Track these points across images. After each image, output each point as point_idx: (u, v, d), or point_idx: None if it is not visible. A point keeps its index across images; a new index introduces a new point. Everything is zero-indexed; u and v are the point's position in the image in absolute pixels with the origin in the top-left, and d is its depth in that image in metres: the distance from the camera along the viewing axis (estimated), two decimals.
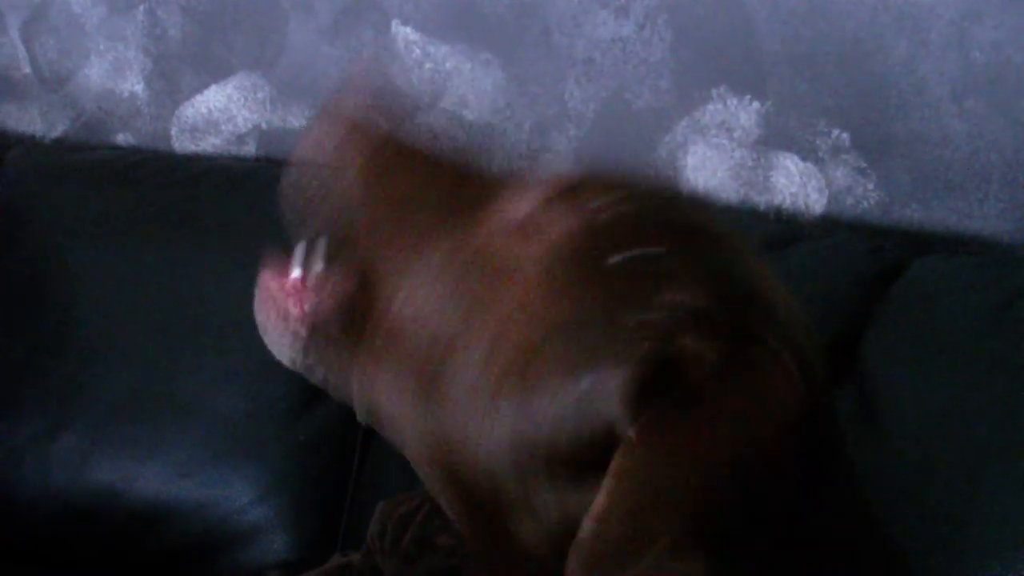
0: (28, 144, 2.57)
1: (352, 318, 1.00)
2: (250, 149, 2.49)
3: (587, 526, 0.86)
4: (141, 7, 2.50)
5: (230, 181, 2.32)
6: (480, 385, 0.93)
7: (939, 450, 1.59)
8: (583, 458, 0.90)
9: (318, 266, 1.02)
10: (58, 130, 2.63)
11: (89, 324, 2.20)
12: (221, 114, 2.50)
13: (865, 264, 1.83)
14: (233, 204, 2.26)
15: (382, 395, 0.99)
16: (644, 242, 0.92)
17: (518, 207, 0.98)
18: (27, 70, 2.63)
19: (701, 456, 0.84)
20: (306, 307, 1.02)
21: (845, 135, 2.02)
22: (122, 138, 2.58)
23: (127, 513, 2.10)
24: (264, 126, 2.47)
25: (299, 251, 1.05)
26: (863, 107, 2.01)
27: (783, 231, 1.94)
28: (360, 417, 1.03)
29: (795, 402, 0.87)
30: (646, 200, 0.97)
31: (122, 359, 2.16)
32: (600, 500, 0.87)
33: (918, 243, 1.94)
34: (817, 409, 0.91)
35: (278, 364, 2.15)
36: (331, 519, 2.09)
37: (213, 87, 2.49)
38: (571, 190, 0.97)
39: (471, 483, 0.95)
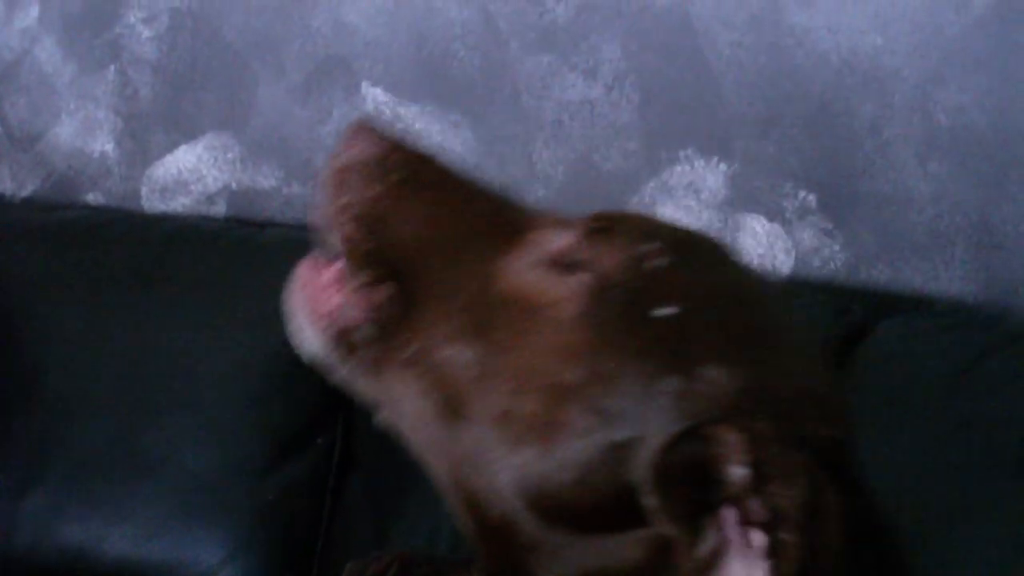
0: None
1: (386, 326, 0.98)
2: (220, 209, 2.49)
3: None
4: (112, 67, 2.51)
5: (200, 241, 2.32)
6: (507, 418, 0.91)
7: (904, 509, 1.59)
8: (601, 512, 0.89)
9: (358, 270, 1.01)
10: (28, 189, 2.63)
11: (58, 382, 2.19)
12: (191, 174, 2.50)
13: (832, 325, 1.84)
14: (203, 264, 2.26)
15: (407, 408, 0.98)
16: (692, 299, 0.91)
17: (558, 240, 0.96)
18: None
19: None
20: (341, 306, 1.01)
21: (811, 196, 2.02)
22: (92, 197, 2.58)
23: (96, 574, 2.09)
24: (234, 186, 2.47)
25: (340, 251, 1.04)
26: (829, 169, 2.02)
27: None
28: (379, 421, 1.02)
29: (829, 519, 0.83)
30: (695, 252, 0.96)
31: (90, 418, 2.15)
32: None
33: (884, 304, 1.94)
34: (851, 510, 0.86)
35: (247, 423, 2.15)
36: None
37: (183, 147, 2.50)
38: (614, 228, 0.95)
39: (488, 512, 0.94)
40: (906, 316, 1.87)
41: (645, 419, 0.86)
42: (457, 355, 0.94)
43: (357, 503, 2.10)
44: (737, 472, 0.83)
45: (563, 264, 0.94)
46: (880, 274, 2.00)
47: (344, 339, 1.00)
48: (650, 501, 0.86)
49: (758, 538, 0.82)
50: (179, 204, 2.52)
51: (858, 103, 1.98)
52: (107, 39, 2.51)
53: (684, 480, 0.85)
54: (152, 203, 2.54)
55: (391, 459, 2.03)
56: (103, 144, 2.56)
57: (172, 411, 2.13)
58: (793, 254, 2.05)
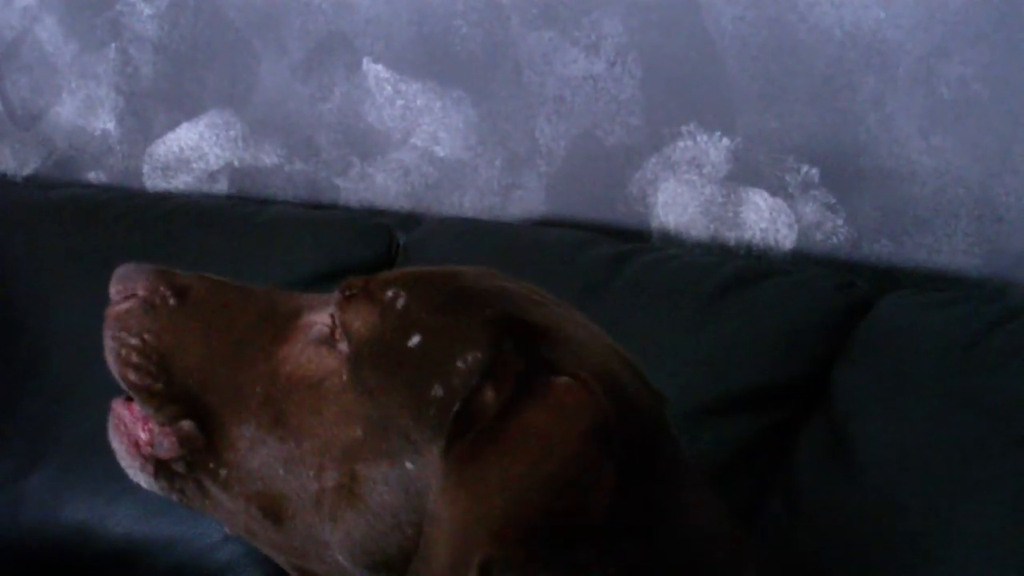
0: (0, 182, 2.58)
1: (194, 458, 1.05)
2: (222, 187, 2.49)
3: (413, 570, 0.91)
4: (113, 45, 2.51)
5: (202, 218, 2.31)
6: (319, 499, 0.97)
7: (908, 484, 1.59)
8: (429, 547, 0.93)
9: (154, 411, 1.07)
10: (30, 168, 2.64)
11: (61, 361, 2.19)
12: (193, 152, 2.50)
13: (835, 299, 1.83)
14: (205, 241, 2.26)
15: (238, 520, 1.04)
16: (437, 315, 0.97)
17: (320, 318, 1.03)
18: None
19: (503, 477, 0.88)
20: (146, 451, 1.08)
21: (814, 171, 2.02)
22: (94, 176, 2.59)
23: (99, 551, 2.09)
24: (236, 163, 2.47)
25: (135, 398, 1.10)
26: (832, 143, 2.01)
27: (753, 267, 1.94)
28: (227, 531, 1.09)
29: (597, 414, 0.90)
30: (431, 278, 1.03)
31: (94, 396, 2.07)
32: (420, 544, 0.92)
33: (887, 278, 1.95)
34: (631, 418, 0.94)
35: None
36: None
37: (185, 125, 2.50)
38: (365, 288, 1.02)
39: (323, 564, 1.01)
40: (909, 290, 1.87)
41: (427, 440, 0.93)
42: (262, 460, 1.01)
43: None
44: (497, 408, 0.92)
45: (328, 339, 1.01)
46: (883, 248, 2.00)
47: (163, 473, 1.07)
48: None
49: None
50: (181, 182, 2.53)
51: (861, 77, 1.97)
52: (108, 17, 2.50)
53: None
54: (154, 181, 2.55)
55: None
56: (105, 122, 2.56)
57: None
58: (796, 228, 2.05)
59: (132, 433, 1.09)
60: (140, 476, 1.09)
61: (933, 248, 1.97)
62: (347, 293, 1.03)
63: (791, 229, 2.05)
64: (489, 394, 0.91)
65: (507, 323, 0.97)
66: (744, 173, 2.07)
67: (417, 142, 2.30)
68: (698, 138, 2.09)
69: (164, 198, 2.44)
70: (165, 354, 1.07)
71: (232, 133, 2.46)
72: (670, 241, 2.12)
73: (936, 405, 1.66)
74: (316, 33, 2.34)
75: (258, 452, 1.01)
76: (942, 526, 1.53)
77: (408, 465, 0.93)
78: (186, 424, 1.05)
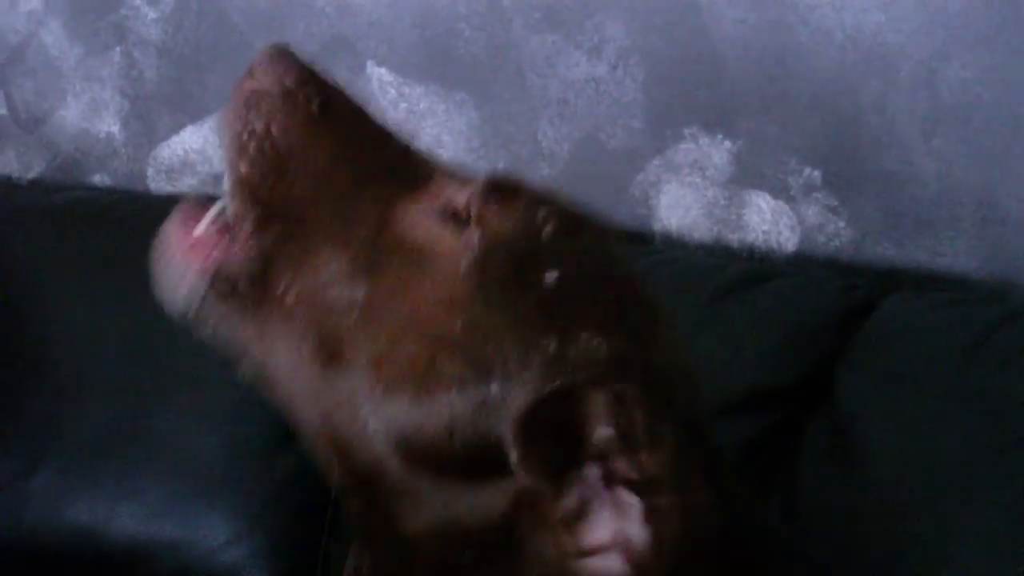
0: (4, 185, 2.58)
1: (268, 266, 0.98)
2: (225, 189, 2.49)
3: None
4: (117, 48, 2.51)
5: None
6: (383, 364, 0.92)
7: (911, 485, 1.60)
8: (467, 462, 0.91)
9: (237, 216, 1.00)
10: (34, 171, 2.64)
11: (65, 363, 2.20)
12: (197, 155, 2.51)
13: (837, 301, 1.84)
14: None
15: (281, 352, 0.97)
16: (575, 268, 0.92)
17: (456, 194, 0.97)
18: (3, 111, 2.64)
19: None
20: (213, 257, 1.00)
21: (816, 173, 2.03)
22: (98, 179, 2.59)
23: (103, 553, 2.09)
24: None
25: (221, 200, 1.03)
26: (834, 145, 2.02)
27: (756, 269, 1.95)
28: (245, 373, 1.02)
29: (694, 484, 0.85)
30: (582, 226, 0.97)
31: (97, 398, 2.16)
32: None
33: (889, 280, 1.95)
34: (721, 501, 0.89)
35: (254, 403, 2.14)
36: (307, 558, 2.08)
37: (189, 128, 2.50)
38: (509, 191, 0.96)
39: (357, 458, 0.95)
40: (911, 292, 1.87)
41: (518, 376, 0.88)
42: (340, 297, 0.94)
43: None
44: (602, 432, 0.85)
45: (457, 218, 0.95)
46: (885, 250, 2.00)
47: (220, 281, 1.00)
48: (515, 454, 0.87)
49: (629, 498, 0.84)
50: (185, 185, 2.53)
51: (862, 80, 1.97)
52: (112, 21, 2.51)
53: (549, 437, 0.87)
54: (158, 184, 2.56)
55: None
56: (109, 126, 2.56)
57: (179, 391, 2.14)
58: (798, 231, 2.06)
59: (187, 253, 1.02)
60: (182, 298, 1.02)
61: (935, 250, 1.98)
62: (492, 186, 0.97)
63: (793, 231, 2.05)
64: (594, 400, 0.86)
65: (643, 346, 0.92)
66: (746, 175, 2.08)
67: (420, 144, 2.30)
68: (700, 141, 2.09)
69: (168, 201, 2.40)
70: (285, 155, 1.00)
71: None
72: (673, 243, 2.13)
73: (938, 406, 1.67)
74: (320, 36, 2.35)
75: (341, 289, 0.94)
76: (943, 526, 1.53)
77: (492, 389, 0.88)
78: (273, 232, 0.98)
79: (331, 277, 0.95)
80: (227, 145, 1.02)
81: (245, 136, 1.01)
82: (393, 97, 2.30)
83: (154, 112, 2.53)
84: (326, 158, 1.00)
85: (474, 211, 0.95)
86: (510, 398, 0.88)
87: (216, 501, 2.08)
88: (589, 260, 0.94)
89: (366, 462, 0.94)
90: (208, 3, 2.43)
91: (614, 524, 0.84)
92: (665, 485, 0.83)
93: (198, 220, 1.03)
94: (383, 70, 2.31)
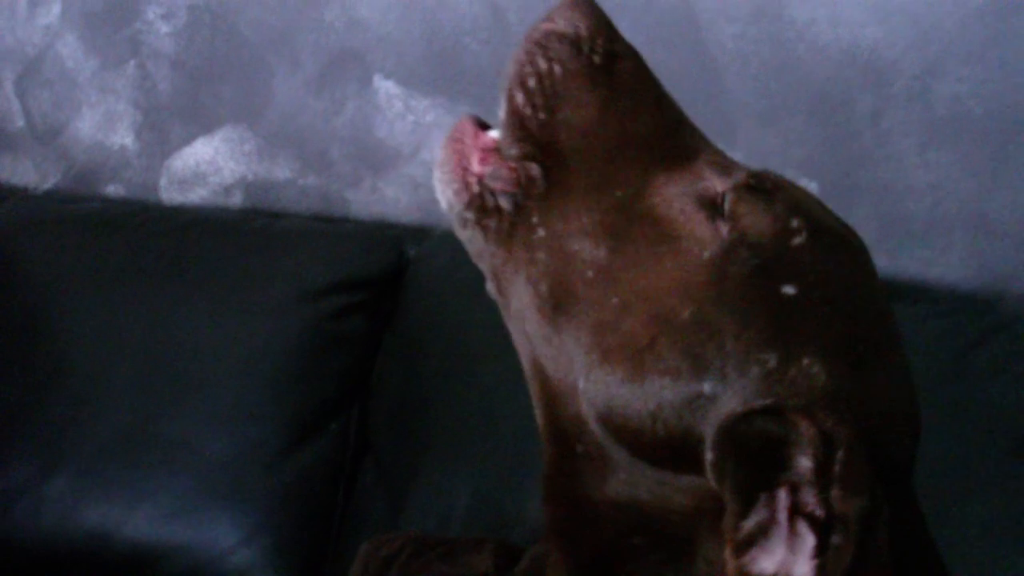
0: (21, 195, 2.58)
1: (524, 203, 0.98)
2: (236, 200, 2.52)
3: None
4: (131, 61, 2.53)
5: (217, 231, 2.34)
6: (606, 330, 0.91)
7: None
8: (664, 448, 0.89)
9: (515, 142, 1.00)
10: (50, 181, 2.66)
11: (79, 370, 2.21)
12: (208, 166, 2.52)
13: None
14: (220, 253, 2.29)
15: (516, 288, 0.98)
16: (816, 287, 0.89)
17: (717, 182, 0.95)
18: (21, 123, 2.65)
19: None
20: (488, 168, 1.01)
21: (813, 185, 2.04)
22: (112, 189, 2.61)
23: (116, 556, 2.11)
24: (250, 177, 2.50)
25: (503, 119, 1.03)
26: (830, 158, 2.03)
27: None
28: (488, 288, 1.02)
29: (882, 535, 0.83)
30: (836, 242, 0.94)
31: (111, 404, 2.17)
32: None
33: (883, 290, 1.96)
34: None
35: (263, 409, 2.17)
36: (315, 561, 2.10)
37: (201, 139, 2.52)
38: (770, 192, 0.94)
39: (562, 412, 0.95)
40: (904, 303, 1.87)
41: (733, 383, 0.86)
42: (582, 252, 0.93)
43: (371, 486, 2.12)
44: (802, 462, 0.83)
45: (712, 206, 0.93)
46: (879, 261, 1.95)
47: (481, 201, 1.00)
48: (711, 457, 0.86)
49: (807, 531, 0.82)
50: (197, 195, 2.55)
51: (858, 94, 1.99)
52: (127, 35, 2.52)
53: (749, 452, 0.85)
54: (171, 194, 2.57)
55: (404, 443, 2.08)
56: (123, 137, 2.58)
57: (190, 397, 2.15)
58: None
59: (467, 153, 1.03)
60: (451, 194, 1.02)
61: (928, 261, 1.99)
62: (753, 182, 0.94)
63: None
64: (803, 428, 0.83)
65: (864, 386, 0.88)
66: None
67: (427, 156, 2.32)
68: None
69: (180, 211, 2.46)
70: (559, 97, 0.99)
71: (247, 147, 2.49)
72: None
73: (929, 414, 1.67)
74: (329, 50, 2.37)
75: (583, 243, 0.93)
76: (937, 533, 1.55)
77: (706, 387, 0.87)
78: (535, 168, 0.98)
79: (578, 229, 0.94)
80: (510, 76, 1.02)
81: (528, 70, 1.01)
82: (400, 109, 2.32)
83: (167, 124, 2.54)
84: (599, 110, 1.00)
85: (729, 203, 0.92)
86: (720, 402, 0.86)
87: (227, 505, 2.10)
88: (831, 281, 0.90)
89: (569, 418, 0.94)
90: (220, 18, 2.44)
91: (784, 555, 0.83)
92: (850, 529, 0.81)
93: (478, 136, 1.04)
94: (390, 83, 2.33)
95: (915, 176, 1.98)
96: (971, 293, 1.96)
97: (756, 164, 2.05)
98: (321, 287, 2.18)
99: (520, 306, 0.97)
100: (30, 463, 2.17)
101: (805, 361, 0.86)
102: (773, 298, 0.88)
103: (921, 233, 1.98)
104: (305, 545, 2.11)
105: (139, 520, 2.12)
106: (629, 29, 2.10)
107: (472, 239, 1.01)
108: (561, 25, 1.02)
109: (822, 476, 0.82)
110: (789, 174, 2.01)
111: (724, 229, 0.91)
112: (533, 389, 0.99)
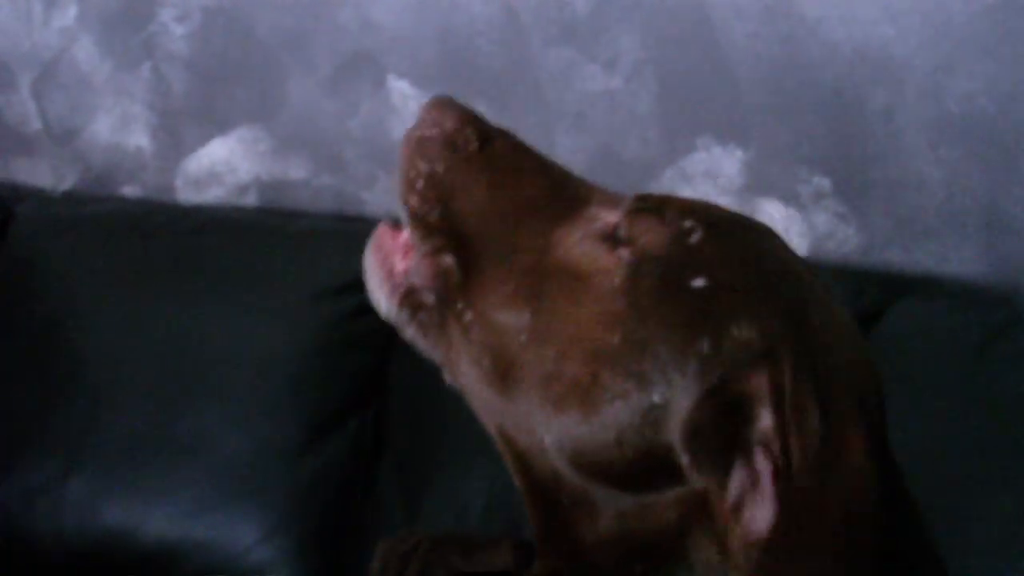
0: (39, 197, 2.59)
1: (446, 293, 1.03)
2: (251, 200, 2.52)
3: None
4: (147, 64, 2.53)
5: (232, 231, 2.35)
6: (551, 382, 0.95)
7: (919, 489, 1.62)
8: (639, 471, 0.92)
9: (422, 240, 1.05)
10: (67, 183, 2.66)
11: (98, 370, 2.22)
12: (224, 166, 2.53)
13: (846, 307, 1.86)
14: (235, 253, 2.30)
15: (464, 367, 1.02)
16: (725, 269, 0.93)
17: (608, 216, 1.00)
18: (38, 126, 2.66)
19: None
20: (408, 270, 1.06)
21: (826, 182, 2.05)
22: (129, 190, 2.61)
23: (137, 554, 2.12)
24: (265, 177, 2.50)
25: (405, 222, 1.08)
26: (843, 155, 2.04)
27: None
28: (446, 379, 1.06)
29: (870, 477, 0.87)
30: (731, 228, 0.98)
31: (130, 404, 2.18)
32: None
33: (898, 286, 1.96)
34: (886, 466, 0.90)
35: (281, 407, 2.17)
36: (333, 558, 2.11)
37: (216, 140, 2.53)
38: (660, 206, 0.98)
39: (536, 470, 0.98)
40: (918, 297, 1.89)
41: (678, 383, 0.89)
42: (508, 321, 0.98)
43: (388, 484, 2.13)
44: (762, 416, 0.87)
45: (610, 239, 0.97)
46: (893, 256, 2.03)
47: (410, 301, 1.05)
48: (686, 459, 0.89)
49: (767, 483, 0.85)
50: (212, 195, 2.55)
51: (870, 91, 2.00)
52: (142, 37, 2.52)
53: (714, 434, 0.88)
54: (186, 195, 2.57)
55: (421, 442, 2.09)
56: (139, 139, 2.58)
57: (208, 397, 2.16)
58: (808, 238, 2.07)
59: (390, 257, 1.09)
60: (383, 299, 1.08)
61: (942, 256, 2.00)
62: (641, 204, 0.99)
63: (804, 238, 2.07)
64: (752, 389, 0.87)
65: (792, 320, 0.91)
66: (758, 184, 2.10)
67: None
68: (713, 151, 2.12)
69: (196, 211, 2.47)
70: (450, 190, 1.06)
71: (261, 148, 2.49)
72: None
73: (946, 409, 1.68)
74: (343, 51, 2.37)
75: (508, 313, 0.98)
76: (953, 528, 1.54)
77: (655, 398, 0.90)
78: (447, 258, 1.03)
79: (500, 302, 0.99)
80: (400, 184, 1.08)
81: (413, 174, 1.07)
82: (414, 109, 2.29)
83: (182, 125, 2.55)
84: (487, 191, 1.05)
85: (624, 229, 0.97)
86: (673, 405, 0.90)
87: (245, 503, 2.11)
88: (738, 260, 0.94)
89: (544, 473, 0.98)
90: (235, 20, 2.45)
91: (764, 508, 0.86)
92: (803, 467, 0.85)
93: (395, 238, 1.10)
94: (404, 83, 2.34)
95: (928, 172, 1.98)
96: (986, 288, 1.96)
97: (770, 162, 2.05)
98: (337, 286, 2.19)
99: (471, 385, 1.02)
100: (50, 463, 2.18)
101: (734, 332, 0.89)
102: (686, 294, 0.92)
103: (935, 229, 1.99)
104: (323, 543, 2.12)
105: (159, 519, 2.13)
106: (642, 29, 2.11)
107: (414, 337, 1.07)
108: (430, 130, 1.09)
109: (780, 418, 0.86)
110: (802, 171, 2.04)
111: (626, 253, 0.95)
112: (507, 459, 1.03)
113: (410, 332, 1.07)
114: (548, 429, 0.95)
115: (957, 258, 1.99)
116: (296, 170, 2.48)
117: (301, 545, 2.11)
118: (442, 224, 1.05)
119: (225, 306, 2.22)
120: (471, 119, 1.10)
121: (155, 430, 2.16)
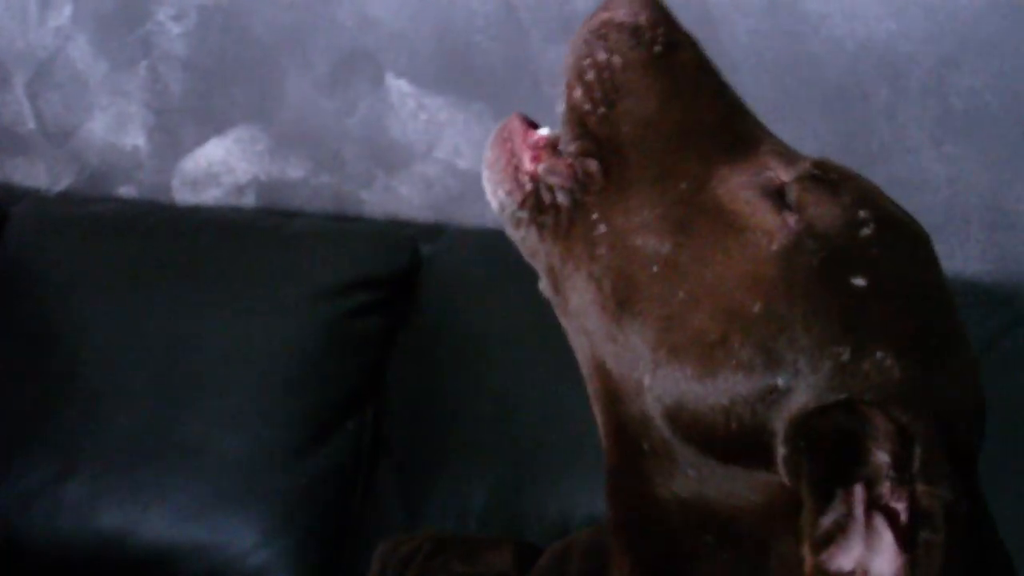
0: (34, 197, 2.58)
1: (582, 199, 0.97)
2: (249, 200, 2.52)
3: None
4: (143, 63, 2.53)
5: (230, 231, 2.34)
6: (673, 325, 0.89)
7: None
8: (734, 444, 0.88)
9: (573, 138, 0.98)
10: (63, 183, 2.66)
11: (95, 371, 2.21)
12: (221, 166, 2.53)
13: None
14: (233, 254, 2.29)
15: (578, 283, 0.96)
16: (886, 280, 0.88)
17: (781, 172, 0.93)
18: (32, 125, 2.65)
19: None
20: (542, 165, 0.99)
21: None
22: (125, 191, 2.61)
23: (134, 558, 2.11)
24: (263, 177, 2.50)
25: (562, 114, 1.01)
26: (846, 151, 2.01)
27: None
28: (542, 288, 1.00)
29: (962, 527, 0.83)
30: (903, 235, 0.93)
31: (127, 406, 2.17)
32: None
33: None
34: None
35: (279, 409, 2.17)
36: (333, 561, 2.10)
37: (213, 140, 2.52)
38: (836, 182, 0.92)
39: (625, 411, 0.93)
40: None
41: (806, 377, 0.85)
42: (646, 247, 0.92)
43: (388, 486, 2.12)
44: (879, 458, 0.83)
45: (778, 196, 0.91)
46: None
47: (536, 199, 0.99)
48: (784, 452, 0.86)
49: (884, 528, 0.82)
50: (209, 196, 2.55)
51: (874, 87, 2.00)
52: (138, 36, 2.52)
53: (824, 447, 0.84)
54: (183, 195, 2.57)
55: (420, 442, 2.08)
56: (135, 138, 2.58)
57: (206, 398, 2.15)
58: None
59: (518, 153, 1.01)
60: (502, 194, 1.02)
61: (945, 254, 1.93)
62: (818, 172, 0.92)
63: None
64: (884, 427, 0.83)
65: (936, 378, 0.87)
66: None
67: (440, 155, 2.33)
68: None
69: (193, 211, 2.46)
70: (620, 89, 0.97)
71: (259, 147, 2.49)
72: None
73: None
74: (340, 49, 2.37)
75: (647, 238, 0.91)
76: None
77: (779, 381, 0.85)
78: (594, 163, 0.96)
79: (641, 224, 0.92)
80: (567, 68, 1.00)
81: (586, 62, 0.99)
82: (412, 108, 2.32)
83: (179, 125, 2.55)
84: (660, 102, 0.97)
85: (794, 194, 0.91)
86: (794, 396, 0.85)
87: (244, 506, 2.10)
88: (900, 273, 0.89)
89: (632, 416, 0.92)
90: (232, 18, 2.45)
91: (861, 552, 0.82)
92: (937, 523, 0.81)
93: (529, 133, 1.02)
94: (402, 81, 2.33)
95: (932, 169, 1.98)
96: (990, 286, 1.96)
97: None
98: (335, 286, 2.18)
99: (580, 303, 0.95)
100: (47, 466, 2.17)
101: (878, 355, 0.85)
102: (843, 290, 0.87)
103: (939, 226, 1.97)
104: (322, 545, 2.11)
105: (156, 522, 2.12)
106: None
107: (526, 238, 1.00)
108: (621, 14, 1.00)
109: (901, 471, 0.82)
110: None
111: (791, 220, 0.89)
112: (593, 387, 0.97)
113: (523, 234, 1.00)
114: (654, 373, 0.90)
115: (961, 256, 1.99)
116: (294, 170, 2.47)
117: (300, 548, 2.10)
118: (599, 126, 0.97)
119: (223, 307, 2.21)
120: (666, 18, 1.02)
121: (153, 432, 2.15)
